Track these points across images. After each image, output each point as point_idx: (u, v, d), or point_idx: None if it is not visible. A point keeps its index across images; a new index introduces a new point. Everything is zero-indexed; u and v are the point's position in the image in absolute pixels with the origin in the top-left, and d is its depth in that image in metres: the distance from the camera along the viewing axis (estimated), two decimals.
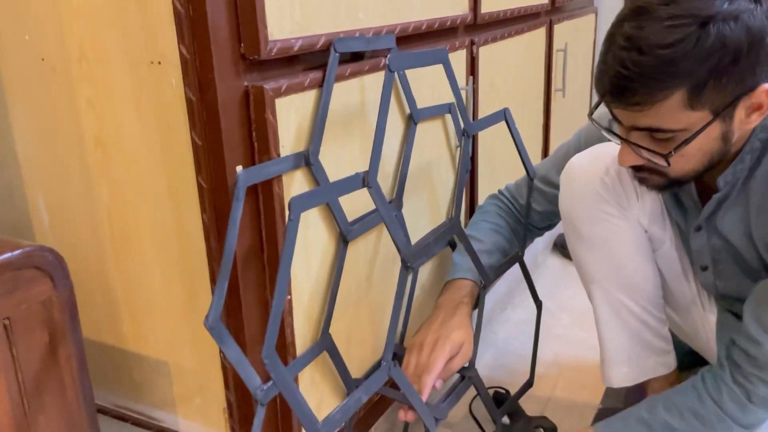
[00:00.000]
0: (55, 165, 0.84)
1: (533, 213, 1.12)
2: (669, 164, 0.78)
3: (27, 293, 0.65)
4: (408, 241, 0.93)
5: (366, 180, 0.70)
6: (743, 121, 0.77)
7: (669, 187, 0.86)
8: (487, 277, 1.03)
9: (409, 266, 0.76)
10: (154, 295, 0.83)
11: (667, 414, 0.89)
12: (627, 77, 0.73)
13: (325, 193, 0.69)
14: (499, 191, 1.17)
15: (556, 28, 1.64)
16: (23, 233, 0.91)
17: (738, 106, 0.75)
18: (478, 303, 1.05)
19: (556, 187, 1.05)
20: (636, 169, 0.85)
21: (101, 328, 0.89)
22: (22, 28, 0.80)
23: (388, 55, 0.83)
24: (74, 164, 0.83)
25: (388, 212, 0.74)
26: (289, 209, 0.62)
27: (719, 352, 0.91)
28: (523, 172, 1.12)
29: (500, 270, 1.07)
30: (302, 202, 0.63)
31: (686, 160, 0.79)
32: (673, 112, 0.74)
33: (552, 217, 1.11)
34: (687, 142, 0.75)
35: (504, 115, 1.08)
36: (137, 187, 0.79)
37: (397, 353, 1.01)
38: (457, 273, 1.05)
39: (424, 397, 0.88)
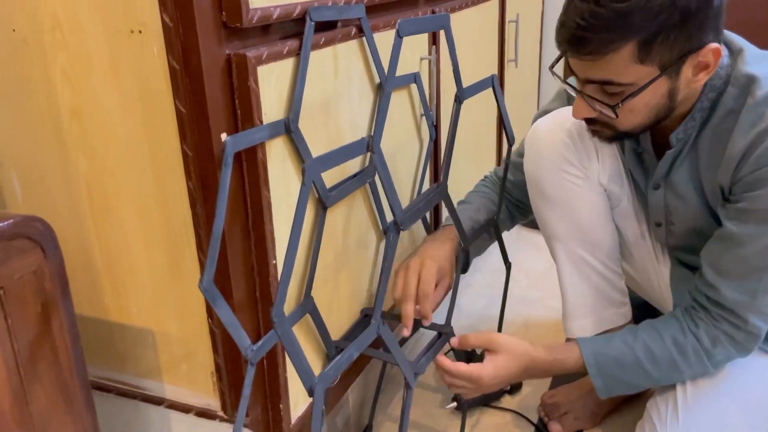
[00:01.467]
0: (28, 138, 0.83)
1: (510, 185, 1.17)
2: (617, 116, 0.83)
3: (19, 263, 0.65)
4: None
5: (370, 145, 0.72)
6: (690, 80, 0.83)
7: (618, 139, 0.92)
8: (466, 240, 1.08)
9: (402, 229, 0.79)
10: (137, 264, 0.84)
11: (648, 338, 0.94)
12: (583, 27, 0.78)
13: (335, 158, 0.70)
14: (487, 174, 1.25)
15: None
16: None
17: (685, 64, 0.81)
18: (459, 259, 1.10)
19: None
20: (589, 122, 0.90)
21: (82, 300, 0.90)
22: None
23: (398, 21, 0.85)
24: (49, 136, 0.82)
25: (388, 177, 0.76)
26: (303, 175, 0.64)
27: (678, 301, 0.97)
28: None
29: (478, 232, 1.13)
30: (315, 168, 0.65)
31: (634, 115, 0.85)
32: (623, 64, 0.79)
33: None
34: (634, 95, 0.81)
35: (492, 82, 1.11)
36: (117, 157, 0.79)
37: (368, 314, 1.05)
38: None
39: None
